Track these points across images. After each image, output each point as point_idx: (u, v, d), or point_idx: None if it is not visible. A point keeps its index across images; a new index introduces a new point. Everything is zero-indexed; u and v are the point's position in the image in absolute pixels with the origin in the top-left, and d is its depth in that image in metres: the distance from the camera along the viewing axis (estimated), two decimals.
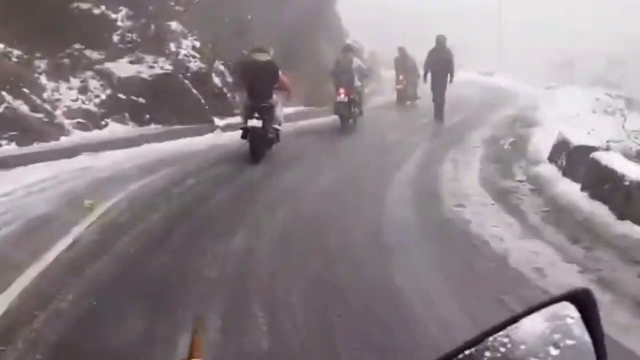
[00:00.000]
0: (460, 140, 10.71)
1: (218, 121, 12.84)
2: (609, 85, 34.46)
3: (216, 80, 13.49)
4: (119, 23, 12.21)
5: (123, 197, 6.52)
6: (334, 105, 12.89)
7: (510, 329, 0.73)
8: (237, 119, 13.77)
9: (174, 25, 13.08)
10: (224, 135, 11.68)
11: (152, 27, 12.55)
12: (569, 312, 0.73)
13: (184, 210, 6.20)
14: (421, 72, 14.00)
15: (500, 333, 0.73)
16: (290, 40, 16.77)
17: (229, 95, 13.69)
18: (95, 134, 10.43)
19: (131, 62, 11.86)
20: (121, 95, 11.36)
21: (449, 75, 12.81)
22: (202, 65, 13.09)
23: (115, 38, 12.06)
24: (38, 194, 6.52)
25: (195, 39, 13.52)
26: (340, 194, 6.99)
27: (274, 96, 9.63)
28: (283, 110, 10.52)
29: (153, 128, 11.49)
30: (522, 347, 0.72)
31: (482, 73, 29.71)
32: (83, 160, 8.40)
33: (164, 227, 5.57)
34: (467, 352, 0.73)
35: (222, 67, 13.95)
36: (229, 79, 13.99)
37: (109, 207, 6.08)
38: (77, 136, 10.12)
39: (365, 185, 7.44)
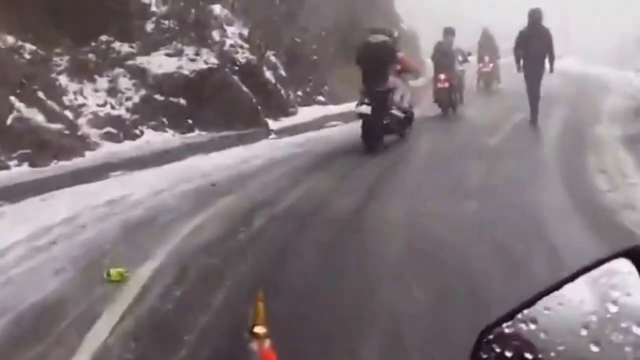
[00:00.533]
0: (583, 143, 8.35)
1: (272, 124, 10.74)
2: None
3: (268, 74, 11.36)
4: (153, 8, 10.15)
5: (169, 255, 4.44)
6: (433, 92, 11.87)
7: (567, 288, 0.76)
8: (294, 120, 11.78)
9: (218, 9, 10.97)
10: (281, 143, 9.59)
11: (192, 11, 10.46)
12: (626, 268, 0.74)
13: (271, 282, 3.95)
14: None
15: (558, 292, 0.76)
16: (346, 26, 14.53)
17: (282, 91, 11.54)
18: (128, 147, 8.41)
19: (168, 55, 9.80)
20: (158, 97, 9.33)
21: (546, 62, 10.26)
22: (252, 57, 10.97)
23: (149, 27, 10.02)
24: (42, 253, 4.47)
25: (242, 25, 11.38)
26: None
27: (392, 79, 9.00)
28: (409, 95, 9.72)
29: (197, 135, 9.45)
30: (580, 305, 0.75)
31: None
32: (111, 187, 6.41)
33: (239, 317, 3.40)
34: (525, 311, 0.77)
35: (273, 59, 11.80)
36: (283, 72, 11.84)
37: (148, 280, 3.98)
38: (105, 150, 8.13)
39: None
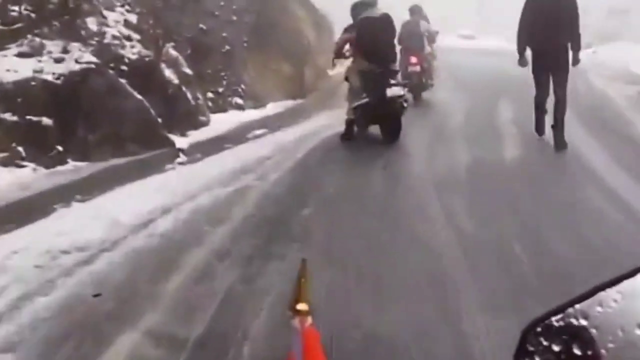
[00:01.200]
0: None
1: (179, 140, 8.06)
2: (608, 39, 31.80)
3: (168, 73, 8.60)
4: None
5: None
6: (402, 77, 9.96)
7: (623, 285, 0.75)
8: (207, 132, 9.12)
9: None
10: (197, 169, 6.95)
11: None
12: None
13: None
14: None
15: (613, 289, 0.75)
16: (259, 7, 11.91)
17: (189, 95, 8.83)
18: None
19: (21, 55, 6.85)
20: (7, 116, 6.39)
21: (569, 55, 6.98)
22: (145, 52, 8.17)
23: None
24: None
25: (128, 10, 8.53)
26: None
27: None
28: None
29: (70, 169, 6.60)
30: (636, 303, 0.73)
31: (462, 36, 25.78)
32: None
33: None
34: (577, 306, 0.77)
35: (174, 52, 9.03)
36: (187, 70, 9.10)
37: None
38: None
39: None
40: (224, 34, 10.28)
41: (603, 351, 0.72)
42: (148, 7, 8.77)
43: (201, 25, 9.80)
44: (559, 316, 0.78)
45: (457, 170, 6.35)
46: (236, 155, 7.77)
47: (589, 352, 0.73)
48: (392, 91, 7.49)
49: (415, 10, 11.34)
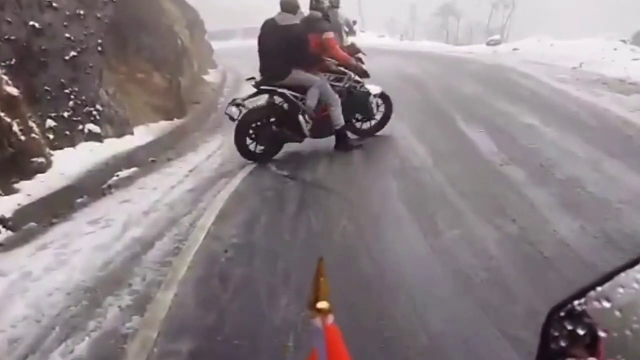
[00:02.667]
0: None
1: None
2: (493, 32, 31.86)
3: None
4: None
5: None
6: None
7: None
8: (51, 181, 6.15)
9: None
10: (24, 267, 4.11)
11: None
12: None
13: None
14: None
15: (635, 269, 0.75)
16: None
17: (16, 126, 5.83)
18: None
19: None
20: None
21: None
22: None
23: None
24: None
25: None
26: None
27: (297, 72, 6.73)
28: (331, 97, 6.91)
29: None
30: None
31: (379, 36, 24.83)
32: None
33: None
34: (598, 288, 0.75)
35: None
36: (11, 88, 6.07)
37: None
38: None
39: None
40: (67, 35, 7.26)
41: (628, 332, 0.71)
42: None
43: (32, 22, 6.73)
44: (581, 300, 0.76)
45: None
46: (94, 227, 5.02)
47: (615, 334, 0.72)
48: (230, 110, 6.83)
49: (333, 1, 9.63)
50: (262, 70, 7.05)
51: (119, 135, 7.91)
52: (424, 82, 11.11)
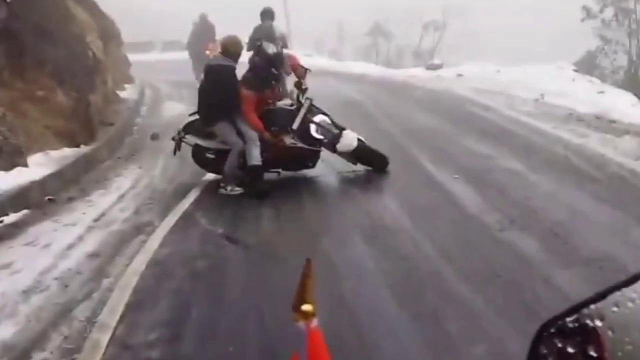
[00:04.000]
0: None
1: None
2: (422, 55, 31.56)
3: None
4: None
5: None
6: None
7: (638, 285, 0.73)
8: None
9: None
10: None
11: None
12: None
13: None
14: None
15: (629, 288, 0.73)
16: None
17: None
18: None
19: None
20: None
21: None
22: None
23: None
24: None
25: None
26: None
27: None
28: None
29: None
30: None
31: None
32: None
33: None
34: (592, 306, 0.73)
35: None
36: None
37: None
38: None
39: None
40: None
41: (620, 354, 0.69)
42: None
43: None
44: (574, 317, 0.74)
45: None
46: None
47: (606, 355, 0.69)
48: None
49: (267, 14, 9.74)
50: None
51: (9, 167, 6.26)
52: (371, 110, 9.99)
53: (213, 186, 6.17)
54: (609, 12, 24.24)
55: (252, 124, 5.92)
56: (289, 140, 6.05)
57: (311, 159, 6.23)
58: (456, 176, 5.72)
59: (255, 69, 6.05)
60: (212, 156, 6.27)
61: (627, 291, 0.72)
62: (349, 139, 6.16)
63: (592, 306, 0.73)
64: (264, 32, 9.24)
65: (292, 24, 26.88)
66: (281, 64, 6.11)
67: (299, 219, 5.13)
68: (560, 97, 8.87)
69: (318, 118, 6.18)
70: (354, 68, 18.43)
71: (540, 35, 32.51)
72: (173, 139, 6.35)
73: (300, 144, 6.09)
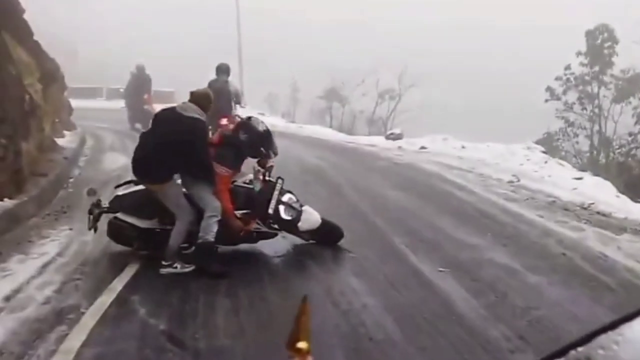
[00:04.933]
0: None
1: None
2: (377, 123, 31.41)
3: None
4: None
5: None
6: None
7: (624, 328, 0.74)
8: None
9: None
10: None
11: None
12: None
13: None
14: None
15: (614, 331, 0.75)
16: None
17: None
18: None
19: None
20: None
21: None
22: None
23: None
24: None
25: None
26: None
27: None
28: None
29: None
30: (636, 345, 0.73)
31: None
32: None
33: None
34: (579, 348, 0.75)
35: None
36: None
37: None
38: None
39: None
40: None
41: None
42: None
43: None
44: (561, 359, 0.74)
45: None
46: None
47: None
48: None
49: (223, 69, 10.02)
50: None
51: None
52: (335, 180, 9.28)
53: (155, 259, 5.20)
54: (572, 96, 24.72)
55: (223, 204, 5.10)
56: (253, 225, 5.30)
57: (268, 237, 5.52)
58: (442, 269, 4.97)
59: (241, 146, 5.26)
60: (135, 234, 5.35)
61: (612, 334, 0.74)
62: (314, 216, 5.55)
63: (579, 348, 0.75)
64: (219, 87, 9.15)
65: (244, 80, 26.49)
66: (270, 144, 5.39)
67: (262, 312, 4.23)
68: (536, 182, 8.40)
69: (286, 197, 5.48)
70: (311, 132, 17.89)
71: (504, 112, 33.12)
72: (90, 212, 5.44)
73: (264, 229, 5.36)
